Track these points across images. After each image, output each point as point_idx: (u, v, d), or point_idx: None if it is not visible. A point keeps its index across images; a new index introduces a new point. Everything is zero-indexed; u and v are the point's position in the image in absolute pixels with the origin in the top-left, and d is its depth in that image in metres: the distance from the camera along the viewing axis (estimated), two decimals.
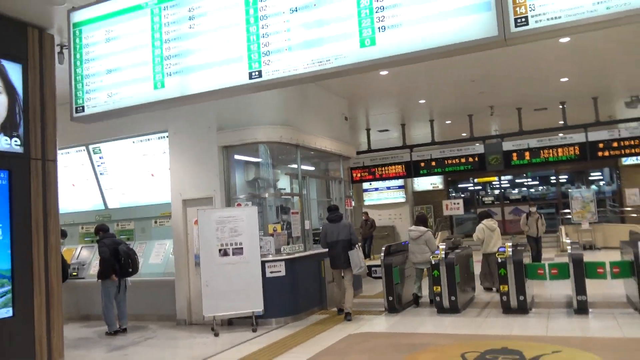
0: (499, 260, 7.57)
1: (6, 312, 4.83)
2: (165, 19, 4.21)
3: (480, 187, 21.88)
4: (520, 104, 12.31)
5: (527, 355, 5.27)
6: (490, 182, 21.63)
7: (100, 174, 9.55)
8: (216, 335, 7.36)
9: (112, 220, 9.70)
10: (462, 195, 21.51)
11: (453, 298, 7.70)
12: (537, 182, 21.34)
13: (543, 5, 3.08)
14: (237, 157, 8.58)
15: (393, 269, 8.14)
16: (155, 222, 9.43)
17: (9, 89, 4.93)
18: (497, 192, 21.27)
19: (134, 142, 9.09)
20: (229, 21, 3.96)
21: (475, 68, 9.17)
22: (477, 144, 13.34)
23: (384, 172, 14.23)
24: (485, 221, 9.45)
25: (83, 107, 4.54)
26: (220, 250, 7.63)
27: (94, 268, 8.85)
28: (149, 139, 9.02)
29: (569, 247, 7.61)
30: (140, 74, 4.30)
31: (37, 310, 5.17)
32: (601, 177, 20.52)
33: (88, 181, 9.70)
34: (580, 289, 7.06)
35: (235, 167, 8.56)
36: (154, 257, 9.10)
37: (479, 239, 9.37)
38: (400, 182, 20.36)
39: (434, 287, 7.85)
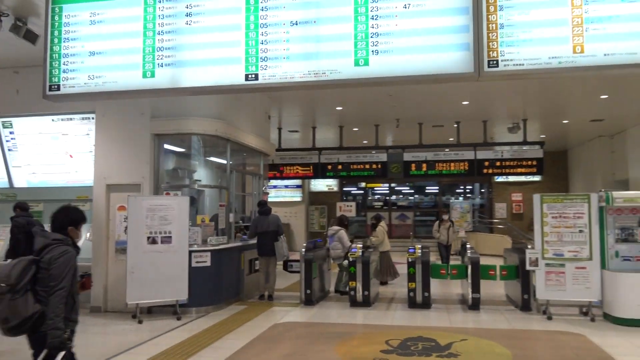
0: (409, 260, 8.45)
1: None
2: (161, 11, 4.34)
3: (370, 192, 23.26)
4: (422, 119, 13.54)
5: (441, 342, 6.10)
6: (374, 188, 23.07)
7: (9, 149, 8.94)
8: (140, 322, 7.36)
9: (16, 200, 9.10)
10: (354, 199, 22.74)
11: (366, 293, 8.44)
12: (418, 191, 23.20)
13: (511, 53, 3.80)
14: (166, 146, 8.58)
15: (312, 264, 8.69)
16: None
17: None
18: (386, 198, 22.77)
19: (53, 119, 8.68)
20: (229, 23, 4.22)
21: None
22: (381, 153, 14.38)
23: (292, 171, 14.74)
24: (382, 223, 10.52)
25: (59, 85, 4.48)
26: (148, 238, 7.62)
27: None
28: (71, 119, 8.66)
29: (465, 252, 8.72)
30: (128, 60, 4.37)
31: None
32: (474, 190, 22.89)
33: None
34: (476, 288, 8.16)
35: (164, 155, 8.55)
36: None
37: (379, 239, 10.38)
38: (298, 181, 21.02)
39: (350, 283, 8.54)
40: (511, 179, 19.53)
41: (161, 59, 4.32)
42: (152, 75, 4.33)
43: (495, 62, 3.83)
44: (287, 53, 4.13)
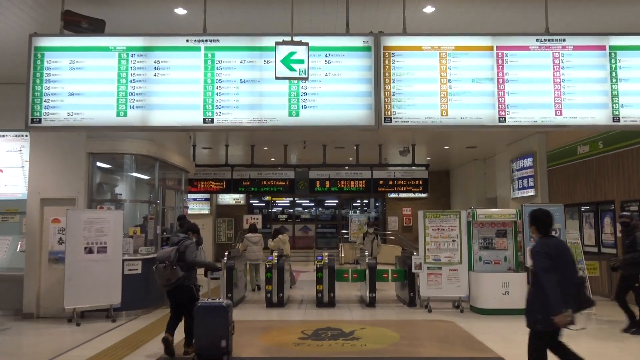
0: (317, 265, 9.89)
1: None
2: (133, 64, 5.40)
3: (273, 205, 24.58)
4: (326, 141, 15.17)
5: (346, 330, 7.58)
6: (277, 201, 24.44)
7: None
8: (77, 325, 8.08)
9: None
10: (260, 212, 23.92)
11: (281, 295, 9.75)
12: (319, 204, 24.92)
13: (399, 114, 5.37)
14: (99, 163, 9.33)
15: (233, 270, 9.85)
16: None
17: None
18: (290, 211, 24.22)
19: None
20: (190, 77, 5.38)
21: None
22: (289, 171, 15.82)
23: (206, 185, 15.70)
24: (281, 236, 12.05)
25: (40, 119, 5.35)
26: (85, 248, 8.36)
27: None
28: (3, 135, 9.12)
29: (361, 260, 10.34)
30: (104, 102, 5.35)
31: None
32: (370, 204, 25.06)
33: None
34: (372, 288, 9.77)
35: (97, 172, 9.29)
36: None
37: (277, 247, 11.86)
38: (206, 195, 21.82)
39: (267, 286, 9.81)
40: (402, 195, 21.85)
41: (133, 102, 5.37)
42: (125, 115, 5.37)
43: (389, 119, 5.37)
44: (237, 103, 5.38)
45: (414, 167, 15.82)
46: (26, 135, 9.04)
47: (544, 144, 13.58)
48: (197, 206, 22.21)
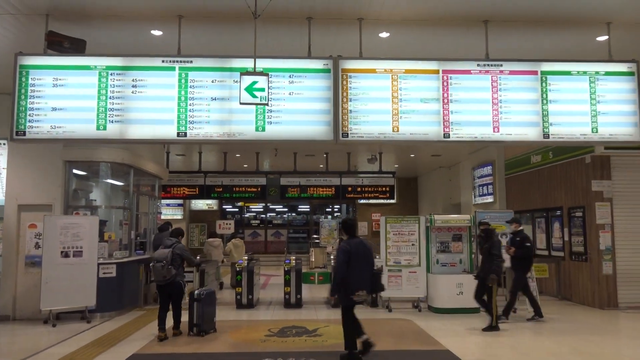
0: (285, 269, 10.43)
1: None
2: (112, 82, 5.88)
3: (246, 210, 25.02)
4: (297, 150, 15.74)
5: (310, 328, 8.14)
6: (250, 207, 24.89)
7: None
8: (54, 326, 8.44)
9: None
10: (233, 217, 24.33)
11: (250, 297, 10.25)
12: (292, 210, 25.47)
13: (355, 130, 5.97)
14: (75, 171, 9.71)
15: (205, 273, 10.31)
16: None
17: None
18: (263, 216, 24.68)
19: None
20: (165, 95, 5.89)
21: None
22: (260, 177, 16.32)
23: (179, 191, 16.09)
24: (233, 240, 12.76)
25: (24, 132, 5.78)
26: (62, 252, 8.73)
27: None
28: None
29: (325, 264, 10.92)
30: (84, 116, 5.82)
31: None
32: (342, 210, 25.70)
33: None
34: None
35: (73, 179, 9.67)
36: None
37: (229, 250, 12.90)
38: (180, 200, 22.14)
39: (237, 289, 10.29)
40: (372, 201, 22.56)
41: (112, 117, 5.84)
42: (104, 129, 5.84)
43: (346, 134, 5.97)
44: (208, 119, 5.91)
45: (381, 175, 16.49)
46: (4, 143, 9.36)
47: (502, 153, 14.40)
48: (170, 211, 22.53)
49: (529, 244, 9.06)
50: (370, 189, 16.32)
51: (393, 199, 17.77)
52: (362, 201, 23.02)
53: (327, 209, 25.35)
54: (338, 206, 25.45)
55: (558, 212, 11.56)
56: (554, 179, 11.78)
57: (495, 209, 14.01)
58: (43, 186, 9.25)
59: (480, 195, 15.56)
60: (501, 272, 8.38)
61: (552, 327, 8.37)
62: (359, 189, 16.18)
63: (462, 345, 7.09)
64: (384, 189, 16.35)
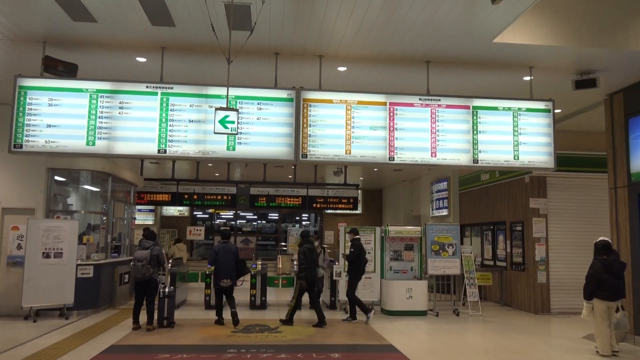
0: (252, 272, 11.28)
1: None
2: (101, 103, 6.71)
3: (217, 217, 25.74)
4: (266, 161, 16.60)
5: (272, 326, 9.03)
6: (220, 214, 25.63)
7: None
8: (34, 321, 9.12)
9: None
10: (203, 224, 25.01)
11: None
12: (261, 217, 26.29)
13: (314, 151, 6.93)
14: (56, 177, 10.41)
15: (176, 276, 11.07)
16: None
17: None
18: (232, 223, 25.43)
19: None
20: (148, 116, 6.75)
21: None
22: (231, 187, 17.13)
23: (152, 197, 16.75)
24: (178, 244, 13.42)
25: (21, 145, 6.55)
26: (43, 253, 9.42)
27: None
28: None
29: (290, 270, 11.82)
30: (75, 133, 6.62)
31: None
32: (310, 219, 26.65)
33: None
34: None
35: (54, 184, 10.37)
36: None
37: (172, 253, 13.61)
38: (151, 206, 22.73)
39: (206, 290, 11.09)
40: (338, 211, 23.54)
41: (100, 134, 6.66)
42: (93, 145, 6.65)
43: (305, 155, 6.93)
44: (185, 138, 6.78)
45: (345, 187, 17.49)
46: None
47: (456, 170, 15.58)
48: (142, 217, 23.05)
49: (352, 250, 10.04)
50: (335, 199, 17.29)
51: (357, 209, 18.77)
52: (329, 211, 23.99)
53: (296, 218, 26.23)
54: (307, 215, 26.37)
55: (502, 226, 12.74)
56: (499, 195, 12.97)
57: (449, 222, 15.16)
58: (26, 191, 9.93)
59: (437, 209, 16.73)
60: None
61: (485, 328, 9.46)
62: (324, 200, 17.14)
63: (404, 340, 8.09)
64: (348, 200, 17.33)
